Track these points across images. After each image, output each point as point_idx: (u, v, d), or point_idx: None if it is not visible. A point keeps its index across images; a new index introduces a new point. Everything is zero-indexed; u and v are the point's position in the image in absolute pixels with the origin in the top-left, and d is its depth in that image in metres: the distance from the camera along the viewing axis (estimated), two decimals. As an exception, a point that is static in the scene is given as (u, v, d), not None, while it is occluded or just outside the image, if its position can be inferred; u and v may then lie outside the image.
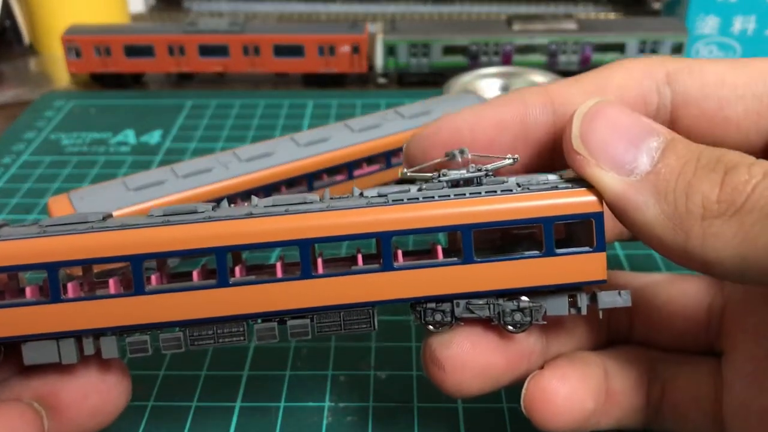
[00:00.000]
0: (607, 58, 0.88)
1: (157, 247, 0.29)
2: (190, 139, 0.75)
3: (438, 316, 0.31)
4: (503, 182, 0.30)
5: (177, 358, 0.45)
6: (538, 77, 0.82)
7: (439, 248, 0.31)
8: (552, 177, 0.31)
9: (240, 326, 0.30)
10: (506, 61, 0.87)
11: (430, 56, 0.87)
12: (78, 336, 0.30)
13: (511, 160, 0.31)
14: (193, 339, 0.30)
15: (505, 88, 0.82)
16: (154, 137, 0.76)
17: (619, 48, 0.87)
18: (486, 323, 0.32)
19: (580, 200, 0.29)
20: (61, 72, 0.94)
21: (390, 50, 0.87)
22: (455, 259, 0.30)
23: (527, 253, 0.30)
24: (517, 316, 0.31)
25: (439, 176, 0.31)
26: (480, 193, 0.30)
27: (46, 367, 0.31)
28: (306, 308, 0.30)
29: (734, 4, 0.88)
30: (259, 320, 0.31)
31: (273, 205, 0.30)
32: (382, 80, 0.91)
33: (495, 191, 0.30)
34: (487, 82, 0.82)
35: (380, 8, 1.16)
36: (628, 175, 0.28)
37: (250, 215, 0.29)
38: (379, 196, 0.30)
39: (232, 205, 0.33)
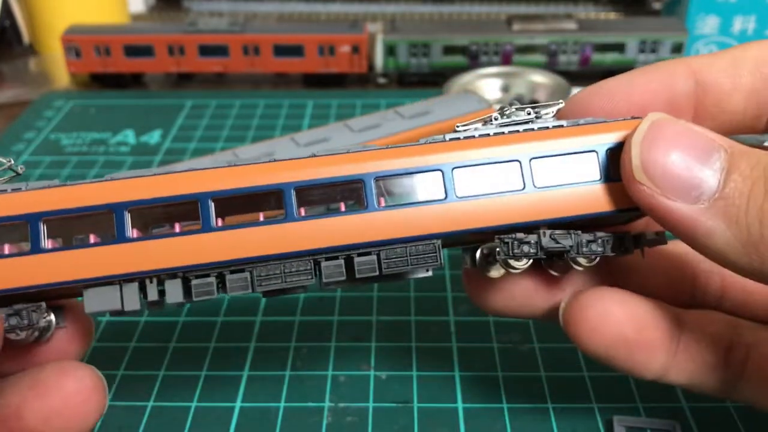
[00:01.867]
0: (607, 58, 0.88)
1: (224, 184, 0.29)
2: (189, 139, 0.75)
3: (525, 248, 0.31)
4: (552, 119, 0.31)
5: (177, 358, 0.45)
6: (538, 77, 0.82)
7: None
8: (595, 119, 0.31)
9: (307, 264, 0.30)
10: (506, 61, 0.87)
11: (430, 56, 0.87)
12: (141, 279, 0.29)
13: (562, 103, 0.32)
14: (261, 279, 0.30)
15: (505, 88, 0.82)
16: (153, 137, 0.76)
17: (619, 48, 0.87)
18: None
19: (632, 129, 0.30)
20: (61, 72, 0.94)
21: (390, 50, 0.87)
22: (518, 187, 0.30)
23: (587, 179, 0.30)
24: (594, 246, 0.31)
25: (491, 120, 0.31)
26: (533, 129, 0.31)
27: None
28: (372, 242, 0.30)
29: (734, 4, 0.88)
30: (325, 259, 0.30)
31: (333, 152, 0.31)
32: (382, 80, 0.91)
33: (547, 126, 0.31)
34: (486, 82, 0.82)
35: (380, 8, 1.16)
36: (696, 202, 0.27)
37: (315, 155, 0.30)
38: (435, 140, 0.31)
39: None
